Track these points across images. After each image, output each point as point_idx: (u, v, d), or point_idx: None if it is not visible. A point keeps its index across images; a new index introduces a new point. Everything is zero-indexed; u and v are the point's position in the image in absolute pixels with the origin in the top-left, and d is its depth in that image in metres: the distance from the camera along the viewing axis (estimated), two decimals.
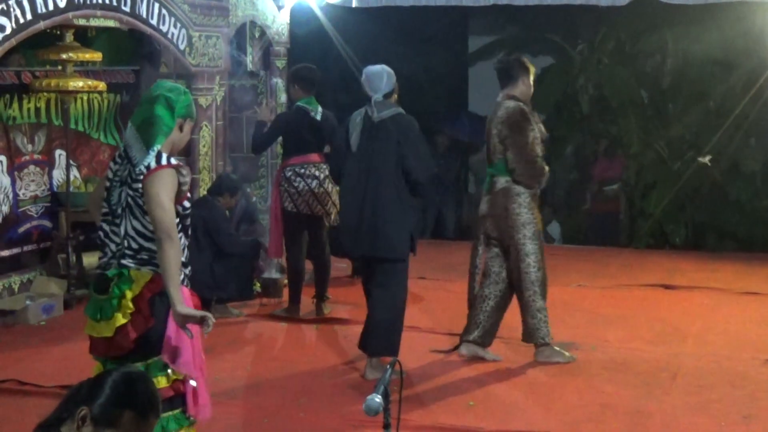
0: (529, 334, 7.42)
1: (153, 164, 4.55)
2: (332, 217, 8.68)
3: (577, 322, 8.52)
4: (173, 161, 4.63)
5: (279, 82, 11.02)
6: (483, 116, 15.29)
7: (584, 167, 14.15)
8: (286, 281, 9.06)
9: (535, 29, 14.33)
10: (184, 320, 4.46)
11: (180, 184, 4.60)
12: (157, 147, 4.60)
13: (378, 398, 3.48)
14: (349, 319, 8.61)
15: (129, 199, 4.61)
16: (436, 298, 9.41)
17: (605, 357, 7.57)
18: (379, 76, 7.25)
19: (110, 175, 4.76)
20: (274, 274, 9.27)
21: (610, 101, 13.38)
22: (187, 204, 4.70)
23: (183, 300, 4.48)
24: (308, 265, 8.92)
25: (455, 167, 14.68)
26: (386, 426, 3.59)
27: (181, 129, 4.75)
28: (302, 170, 8.49)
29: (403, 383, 3.84)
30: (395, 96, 7.33)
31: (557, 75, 13.96)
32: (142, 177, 4.55)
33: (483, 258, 7.49)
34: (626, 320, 8.64)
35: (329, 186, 8.54)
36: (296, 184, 8.48)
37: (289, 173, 8.51)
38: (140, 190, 4.56)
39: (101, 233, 4.76)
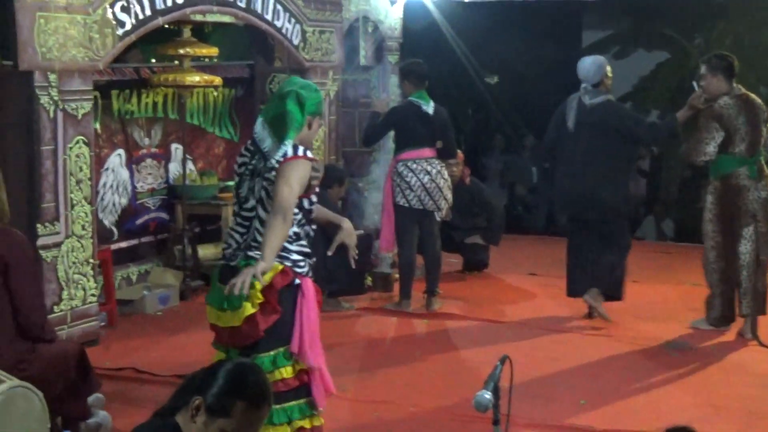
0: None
1: (290, 153, 4.61)
2: (443, 211, 8.67)
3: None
4: (309, 154, 4.68)
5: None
6: None
7: None
8: (397, 276, 9.09)
9: (650, 23, 14.11)
10: (248, 274, 4.40)
11: (311, 178, 4.66)
12: (289, 141, 4.65)
13: (488, 394, 3.47)
14: (460, 315, 8.61)
15: (263, 192, 4.67)
16: (547, 295, 9.35)
17: (721, 357, 7.43)
18: (587, 69, 8.17)
19: (236, 168, 4.86)
20: (385, 269, 9.30)
21: None
22: (314, 198, 4.76)
23: (267, 263, 4.46)
24: (419, 260, 8.94)
25: None
26: (495, 422, 3.57)
27: (309, 126, 4.81)
28: (414, 165, 8.50)
29: (513, 380, 3.82)
30: (607, 82, 8.18)
31: (672, 69, 13.74)
32: (278, 165, 4.60)
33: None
34: (742, 320, 8.45)
35: (441, 181, 8.54)
36: (408, 179, 8.49)
37: (401, 168, 8.53)
38: (273, 178, 4.61)
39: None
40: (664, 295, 9.01)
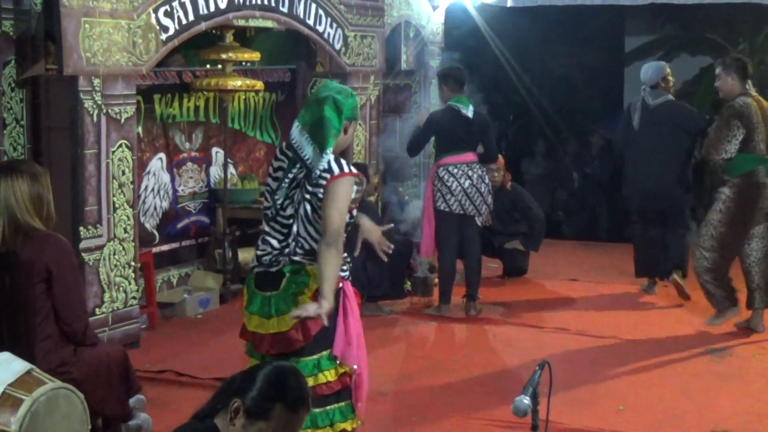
0: None
1: (336, 169, 4.57)
2: (484, 216, 8.66)
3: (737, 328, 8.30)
4: (353, 170, 4.65)
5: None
6: None
7: None
8: (436, 280, 9.09)
9: (694, 28, 14.03)
10: (315, 312, 4.39)
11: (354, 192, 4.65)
12: (329, 149, 4.60)
13: (526, 399, 3.47)
14: (499, 320, 8.60)
15: (306, 204, 4.61)
16: (587, 300, 9.31)
17: (764, 365, 7.38)
18: (645, 72, 9.11)
19: (271, 171, 4.82)
20: (425, 273, 9.31)
21: None
22: (355, 212, 4.73)
23: (330, 303, 4.44)
24: (459, 265, 8.93)
25: (609, 167, 14.46)
26: (534, 428, 3.58)
27: (345, 131, 4.78)
28: (455, 170, 8.49)
29: (552, 385, 3.81)
30: (669, 84, 9.17)
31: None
32: (324, 182, 4.56)
33: None
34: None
35: (482, 186, 8.53)
36: (449, 184, 8.49)
37: (442, 172, 8.52)
38: (319, 194, 4.56)
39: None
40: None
